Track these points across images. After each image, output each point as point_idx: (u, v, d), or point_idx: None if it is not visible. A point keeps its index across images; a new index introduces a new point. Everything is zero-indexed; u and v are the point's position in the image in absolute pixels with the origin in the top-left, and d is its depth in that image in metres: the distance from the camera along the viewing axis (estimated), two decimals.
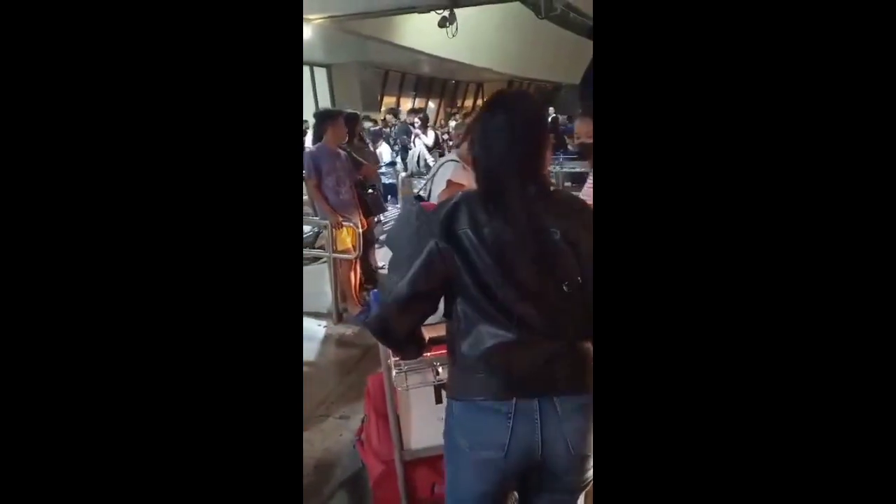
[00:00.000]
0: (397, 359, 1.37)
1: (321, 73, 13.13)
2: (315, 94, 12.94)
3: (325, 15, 7.58)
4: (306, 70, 12.69)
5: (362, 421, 1.82)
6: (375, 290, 1.56)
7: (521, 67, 15.02)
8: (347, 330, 3.26)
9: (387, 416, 1.56)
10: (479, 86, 20.90)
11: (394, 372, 1.41)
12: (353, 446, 1.88)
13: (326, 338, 3.22)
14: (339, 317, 3.37)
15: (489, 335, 0.94)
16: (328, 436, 2.22)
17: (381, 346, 1.37)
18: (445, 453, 1.07)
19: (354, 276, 3.41)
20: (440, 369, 1.37)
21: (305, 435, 2.23)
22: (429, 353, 1.27)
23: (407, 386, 1.41)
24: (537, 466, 0.98)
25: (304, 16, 7.46)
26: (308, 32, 8.26)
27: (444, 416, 1.07)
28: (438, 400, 1.49)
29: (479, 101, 21.42)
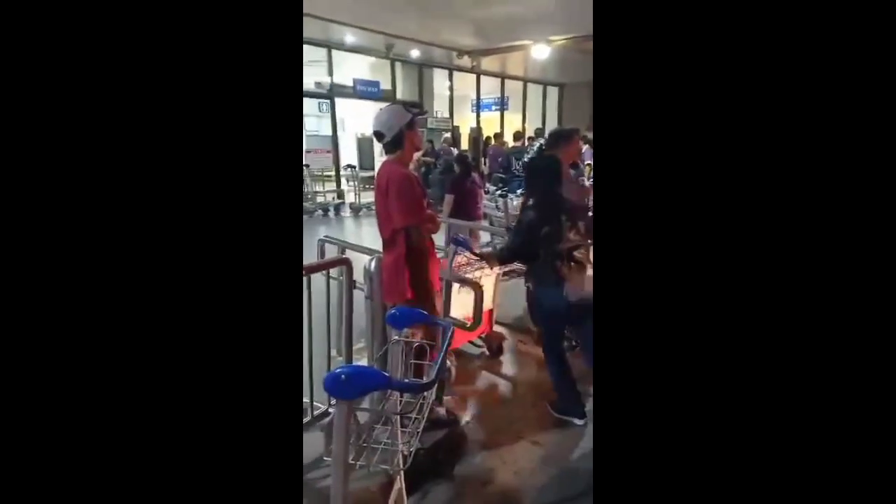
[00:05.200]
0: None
1: (553, 92, 13.35)
2: (544, 112, 13.23)
3: (568, 36, 7.67)
4: (539, 89, 13.07)
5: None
6: (458, 236, 2.60)
7: None
8: None
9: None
10: None
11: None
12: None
13: (525, 355, 3.22)
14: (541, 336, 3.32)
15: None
16: (519, 458, 2.20)
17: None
18: None
19: None
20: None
21: (496, 452, 2.24)
22: None
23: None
24: None
25: (547, 37, 7.68)
26: (546, 53, 8.46)
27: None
28: None
29: None
